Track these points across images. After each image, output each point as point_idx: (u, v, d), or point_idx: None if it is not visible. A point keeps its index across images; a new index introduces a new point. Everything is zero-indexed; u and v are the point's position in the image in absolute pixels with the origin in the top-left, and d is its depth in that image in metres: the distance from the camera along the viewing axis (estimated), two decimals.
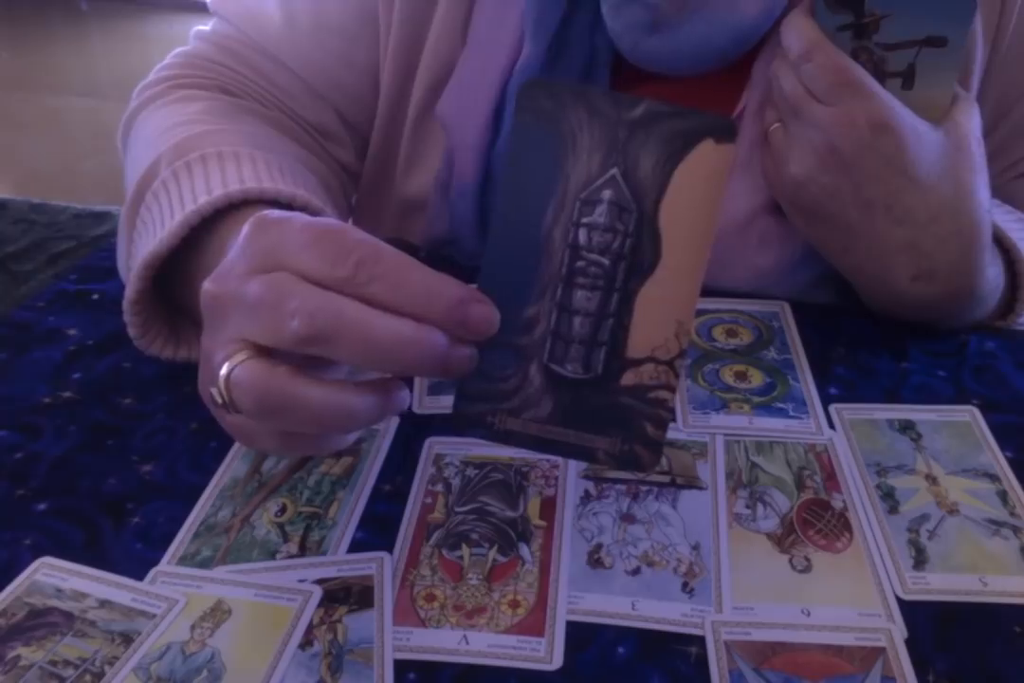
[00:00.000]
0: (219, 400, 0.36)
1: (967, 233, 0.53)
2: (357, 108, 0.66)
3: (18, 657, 0.38)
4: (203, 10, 0.71)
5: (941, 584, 0.42)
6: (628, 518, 0.45)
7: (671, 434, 0.50)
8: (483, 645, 0.39)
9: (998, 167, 0.63)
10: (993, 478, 0.48)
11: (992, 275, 0.56)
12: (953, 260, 0.53)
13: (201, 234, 0.48)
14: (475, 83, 0.61)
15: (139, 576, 0.42)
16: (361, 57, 0.64)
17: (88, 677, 0.37)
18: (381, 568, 0.42)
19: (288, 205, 0.49)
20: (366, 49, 0.64)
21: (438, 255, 0.67)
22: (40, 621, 0.40)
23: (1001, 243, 0.57)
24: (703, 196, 0.35)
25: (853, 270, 0.58)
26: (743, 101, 0.60)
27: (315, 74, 0.64)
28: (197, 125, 0.56)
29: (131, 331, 0.50)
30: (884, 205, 0.52)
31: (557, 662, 0.38)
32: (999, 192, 0.62)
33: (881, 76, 0.51)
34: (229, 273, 0.37)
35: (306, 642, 0.39)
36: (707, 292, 0.61)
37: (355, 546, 0.44)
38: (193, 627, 0.39)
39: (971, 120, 0.53)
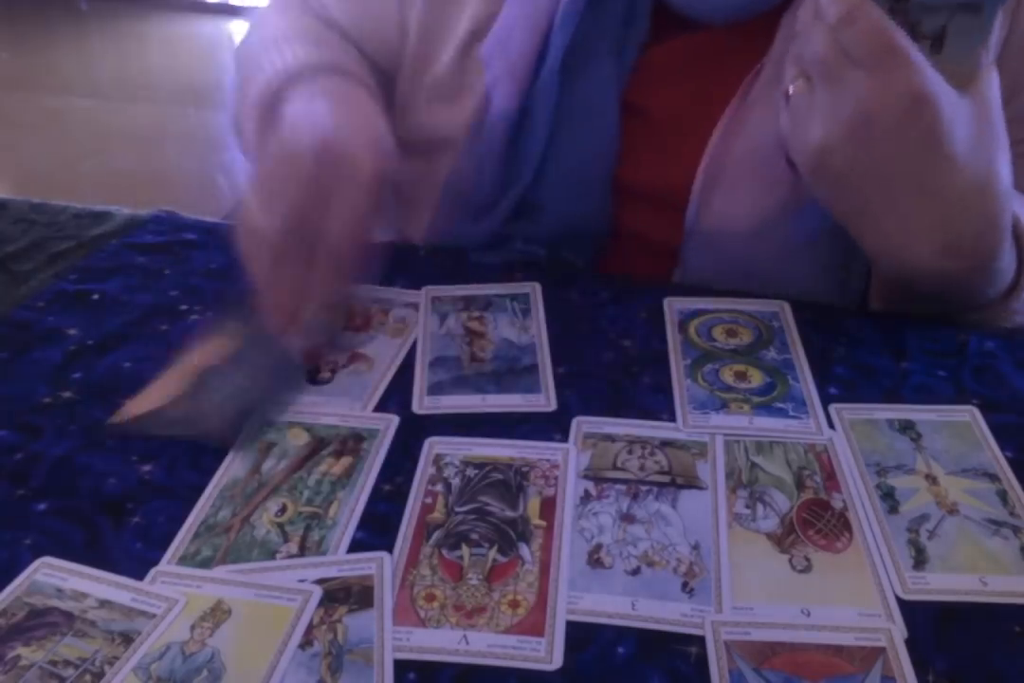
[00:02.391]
0: None
1: (992, 208, 0.52)
2: (386, 57, 0.72)
3: (18, 657, 0.38)
4: (203, 10, 0.72)
5: (941, 584, 0.42)
6: (628, 518, 0.45)
7: (671, 434, 0.50)
8: (483, 645, 0.39)
9: None
10: (993, 478, 0.48)
11: (1007, 249, 0.55)
12: (978, 234, 0.52)
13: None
14: (519, 26, 0.63)
15: (139, 576, 0.42)
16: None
17: (88, 677, 0.37)
18: (381, 568, 0.42)
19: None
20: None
21: (438, 248, 0.67)
22: (40, 621, 0.40)
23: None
24: None
25: (874, 243, 0.56)
26: (772, 52, 0.60)
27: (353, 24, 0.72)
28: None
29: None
30: (916, 181, 0.50)
31: (557, 662, 0.38)
32: None
33: (913, 38, 0.48)
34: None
35: (306, 642, 0.39)
36: (706, 292, 0.62)
37: (355, 546, 0.44)
38: (193, 627, 0.39)
39: (995, 90, 0.51)
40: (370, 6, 0.72)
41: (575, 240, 0.67)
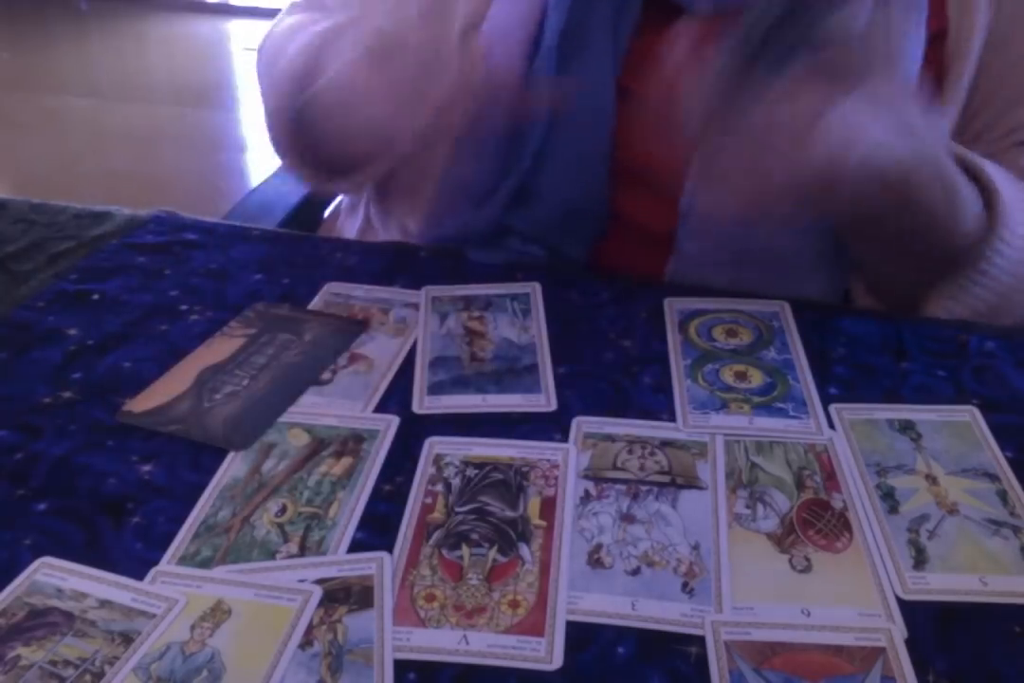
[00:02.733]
0: None
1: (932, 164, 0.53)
2: None
3: (18, 657, 0.38)
4: (202, 10, 0.72)
5: (941, 584, 0.42)
6: (628, 518, 0.45)
7: (671, 434, 0.50)
8: (483, 645, 0.39)
9: (996, 134, 0.65)
10: (993, 478, 0.48)
11: (971, 198, 0.56)
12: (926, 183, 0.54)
13: None
14: (513, 15, 0.65)
15: (139, 576, 0.42)
16: None
17: (88, 677, 0.37)
18: (381, 568, 0.42)
19: None
20: None
21: (440, 251, 0.67)
22: (40, 621, 0.40)
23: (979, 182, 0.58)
24: None
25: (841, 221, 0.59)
26: None
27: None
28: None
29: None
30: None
31: (557, 662, 0.38)
32: (997, 159, 0.63)
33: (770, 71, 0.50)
34: None
35: (306, 642, 0.39)
36: (706, 292, 0.62)
37: (355, 546, 0.44)
38: (193, 627, 0.39)
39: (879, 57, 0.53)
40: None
41: (573, 226, 0.67)
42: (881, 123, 0.50)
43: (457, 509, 0.46)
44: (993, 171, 0.59)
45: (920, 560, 0.43)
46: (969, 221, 0.57)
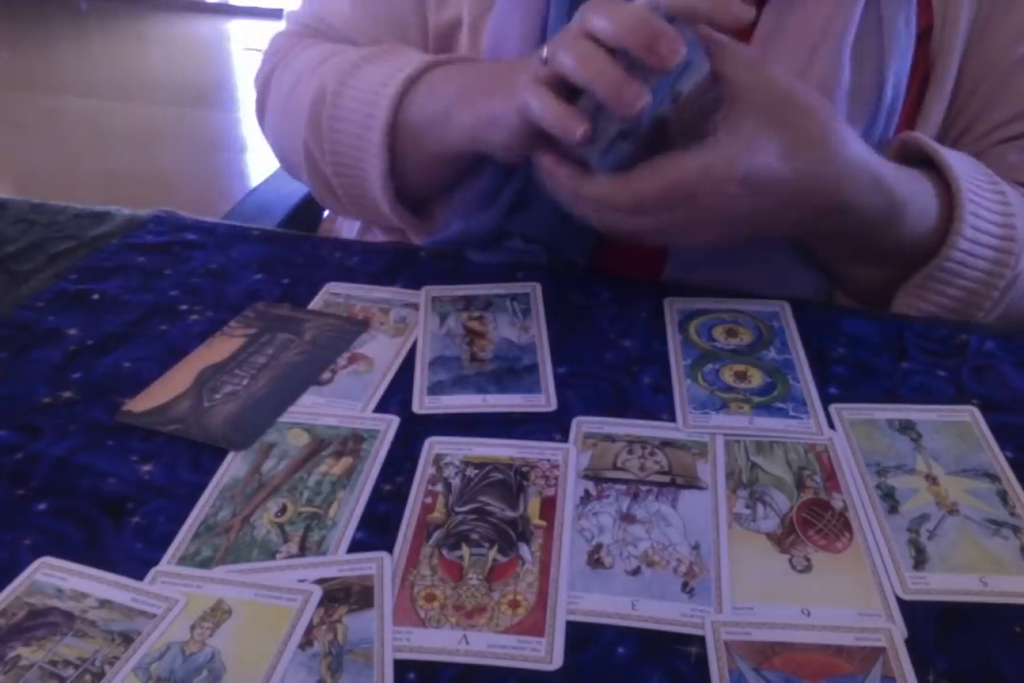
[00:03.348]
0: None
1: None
2: None
3: (18, 657, 0.38)
4: (201, 10, 0.72)
5: (941, 584, 0.42)
6: (628, 518, 0.45)
7: (671, 434, 0.50)
8: (483, 645, 0.39)
9: (978, 132, 0.65)
10: (993, 478, 0.48)
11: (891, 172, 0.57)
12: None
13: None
14: (515, 21, 0.65)
15: (139, 576, 0.42)
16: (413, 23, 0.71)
17: (88, 677, 0.37)
18: (381, 568, 0.42)
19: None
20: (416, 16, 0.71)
21: (440, 251, 0.67)
22: (40, 621, 0.40)
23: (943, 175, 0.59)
24: None
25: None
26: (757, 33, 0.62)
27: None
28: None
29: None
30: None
31: (557, 662, 0.38)
32: (983, 157, 0.63)
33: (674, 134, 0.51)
34: None
35: (306, 642, 0.39)
36: (707, 292, 0.62)
37: (355, 546, 0.44)
38: (193, 627, 0.39)
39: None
40: (391, 20, 0.72)
41: (573, 229, 0.67)
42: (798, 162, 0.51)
43: (457, 509, 0.46)
44: (957, 164, 0.59)
45: (920, 560, 0.43)
46: (921, 224, 0.58)
